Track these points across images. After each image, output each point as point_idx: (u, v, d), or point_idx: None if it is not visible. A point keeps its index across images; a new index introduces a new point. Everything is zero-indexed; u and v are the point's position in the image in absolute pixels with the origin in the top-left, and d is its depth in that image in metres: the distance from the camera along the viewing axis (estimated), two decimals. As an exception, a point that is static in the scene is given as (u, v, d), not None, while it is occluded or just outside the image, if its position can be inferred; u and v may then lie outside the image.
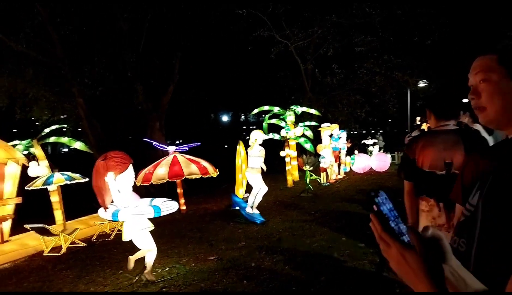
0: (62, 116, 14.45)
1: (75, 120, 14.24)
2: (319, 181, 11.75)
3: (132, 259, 4.53)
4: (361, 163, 13.78)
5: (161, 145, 10.23)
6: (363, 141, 18.09)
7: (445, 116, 2.52)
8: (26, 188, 7.17)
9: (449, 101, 2.54)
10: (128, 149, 4.73)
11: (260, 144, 7.69)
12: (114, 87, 14.05)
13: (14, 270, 5.86)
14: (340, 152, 12.91)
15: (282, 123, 12.60)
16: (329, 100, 19.17)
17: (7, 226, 7.15)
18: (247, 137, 8.17)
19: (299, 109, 12.95)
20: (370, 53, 17.12)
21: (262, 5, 15.79)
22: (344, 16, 16.00)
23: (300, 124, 12.74)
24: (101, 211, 4.42)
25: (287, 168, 12.38)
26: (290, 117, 12.39)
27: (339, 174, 12.92)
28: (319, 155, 11.86)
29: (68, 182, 7.11)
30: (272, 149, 11.03)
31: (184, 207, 9.19)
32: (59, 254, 6.36)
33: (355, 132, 22.44)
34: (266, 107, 12.94)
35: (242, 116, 44.27)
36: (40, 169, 7.74)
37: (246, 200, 7.87)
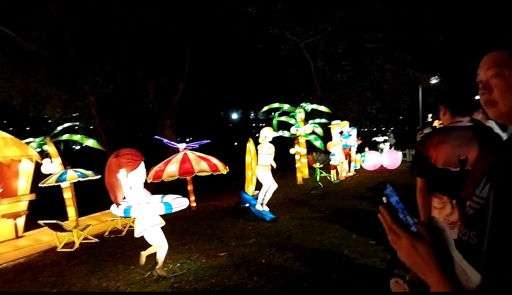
0: (74, 115, 14.63)
1: (87, 118, 14.42)
2: (329, 178, 11.71)
3: (144, 254, 4.59)
4: (371, 160, 13.68)
5: (171, 142, 10.31)
6: (373, 139, 17.97)
7: (461, 113, 2.48)
8: (40, 185, 7.31)
9: (466, 97, 2.51)
10: (139, 147, 4.77)
11: (270, 142, 7.69)
12: (125, 86, 14.17)
13: (29, 265, 5.98)
14: (350, 149, 12.84)
15: (292, 121, 12.57)
16: (339, 98, 19.03)
17: (21, 221, 7.31)
18: (257, 135, 8.18)
19: (309, 107, 12.90)
20: (381, 50, 16.93)
21: (272, 2, 15.75)
22: (355, 13, 15.86)
23: (310, 121, 12.69)
24: (113, 207, 4.49)
25: (296, 165, 12.37)
26: (300, 114, 12.36)
27: (349, 172, 12.86)
28: (329, 152, 11.81)
29: (81, 179, 7.23)
30: (282, 146, 11.02)
31: (194, 204, 9.25)
32: (72, 250, 6.48)
33: (365, 129, 22.24)
34: (276, 105, 12.94)
35: (252, 114, 44.26)
36: (53, 166, 7.88)
37: (256, 197, 7.89)
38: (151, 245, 4.64)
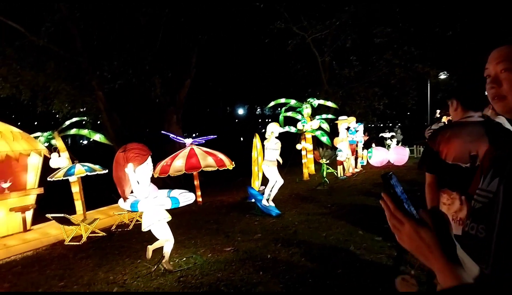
0: (82, 109, 14.74)
1: (95, 113, 14.52)
2: (335, 174, 11.66)
3: (150, 248, 4.62)
4: (378, 156, 13.59)
5: (178, 138, 10.33)
6: (380, 135, 17.83)
7: (473, 108, 2.44)
8: (48, 179, 7.38)
9: (478, 92, 2.46)
10: (145, 142, 4.78)
11: (276, 137, 7.67)
12: (132, 81, 14.24)
13: (37, 258, 6.06)
14: (357, 145, 12.77)
15: (299, 116, 12.51)
16: (347, 93, 18.90)
17: (29, 215, 7.40)
18: (263, 130, 8.16)
19: (316, 102, 12.84)
20: (389, 45, 16.76)
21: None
22: (363, 7, 15.69)
23: (317, 117, 12.63)
24: (120, 201, 4.52)
25: (303, 161, 12.33)
26: (307, 110, 12.31)
27: (356, 167, 12.80)
28: (336, 148, 11.75)
29: (89, 173, 7.28)
30: (288, 142, 10.99)
31: (200, 199, 9.28)
32: (80, 243, 6.54)
33: (373, 125, 22.09)
34: (283, 100, 12.88)
35: (258, 110, 44.22)
36: (61, 161, 7.95)
37: (262, 193, 7.88)
38: (157, 239, 4.67)
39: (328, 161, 10.51)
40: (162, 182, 9.89)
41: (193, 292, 4.05)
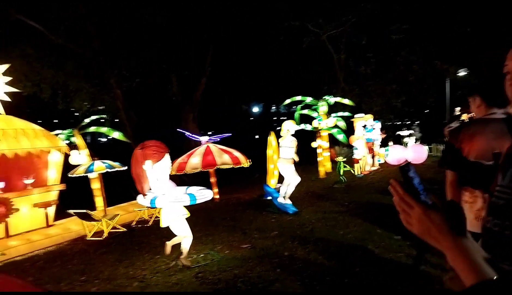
0: (100, 107, 15.03)
1: (113, 111, 14.78)
2: (352, 172, 11.56)
3: (169, 244, 4.69)
4: (395, 154, 13.36)
5: (194, 136, 10.42)
6: (397, 133, 17.57)
7: (497, 104, 2.39)
8: (69, 175, 7.56)
9: (502, 88, 2.41)
10: (162, 139, 4.83)
11: (292, 135, 7.66)
12: (149, 79, 14.43)
13: (59, 253, 6.22)
14: (373, 143, 12.62)
15: (314, 114, 12.44)
16: (363, 91, 18.68)
17: (51, 211, 7.59)
18: (278, 128, 8.16)
19: (332, 100, 12.74)
20: (406, 41, 16.48)
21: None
22: (379, 3, 15.46)
23: (333, 115, 12.53)
24: (140, 197, 4.60)
25: (319, 159, 12.26)
26: (323, 107, 12.22)
27: (373, 166, 12.66)
28: (352, 146, 11.65)
29: (109, 170, 7.42)
30: (304, 139, 10.95)
31: (217, 196, 9.34)
32: (101, 239, 6.68)
33: (390, 123, 21.76)
34: (298, 98, 12.82)
35: (273, 107, 44.16)
36: (81, 157, 8.13)
37: (278, 190, 7.89)
38: (176, 235, 4.73)
39: (344, 159, 10.43)
40: (180, 179, 10.01)
41: (210, 288, 4.09)
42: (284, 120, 8.13)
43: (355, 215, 6.59)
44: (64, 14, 12.49)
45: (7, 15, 11.29)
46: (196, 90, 14.93)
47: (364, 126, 11.91)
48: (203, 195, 4.69)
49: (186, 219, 4.75)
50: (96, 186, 8.21)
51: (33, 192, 7.19)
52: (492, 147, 2.31)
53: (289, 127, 7.65)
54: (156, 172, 4.46)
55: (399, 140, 16.33)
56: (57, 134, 8.66)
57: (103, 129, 9.74)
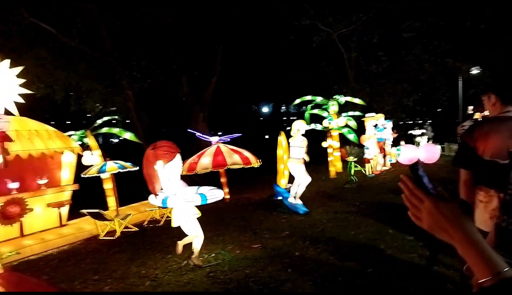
0: (112, 109, 15.19)
1: (125, 112, 14.93)
2: (363, 172, 11.47)
3: (181, 244, 4.72)
4: (407, 154, 13.21)
5: (204, 136, 10.45)
6: (409, 132, 17.38)
7: None
8: (82, 175, 7.66)
9: None
10: (173, 140, 4.87)
11: (302, 135, 7.63)
12: (160, 80, 14.55)
13: (72, 252, 6.31)
14: (385, 143, 12.50)
15: (325, 114, 12.38)
16: (374, 90, 18.52)
17: (65, 211, 7.71)
18: (288, 128, 8.13)
19: (343, 99, 12.65)
20: (418, 39, 16.27)
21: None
22: (390, 1, 15.31)
23: (343, 114, 12.46)
24: (151, 197, 4.63)
25: (329, 158, 12.19)
26: (333, 107, 12.14)
27: (385, 165, 12.55)
28: (363, 146, 11.56)
29: (121, 170, 7.50)
30: (314, 139, 10.90)
31: (228, 196, 9.36)
32: (114, 238, 6.76)
33: (401, 122, 21.54)
34: (309, 97, 12.77)
35: (283, 107, 44.06)
36: (93, 158, 8.24)
37: (288, 190, 7.86)
38: (187, 235, 4.76)
39: (355, 159, 10.36)
40: (190, 179, 10.06)
41: (221, 287, 4.10)
42: (294, 120, 8.10)
43: (366, 215, 6.53)
44: (76, 17, 12.68)
45: (22, 18, 11.49)
46: (206, 90, 15.00)
47: (375, 125, 11.81)
48: (214, 194, 4.71)
49: (197, 218, 4.77)
50: (108, 186, 8.30)
51: (46, 192, 7.31)
52: (508, 145, 2.27)
53: (299, 127, 7.62)
54: (167, 172, 4.50)
55: (411, 140, 16.15)
56: (70, 135, 8.78)
57: (115, 130, 9.85)
